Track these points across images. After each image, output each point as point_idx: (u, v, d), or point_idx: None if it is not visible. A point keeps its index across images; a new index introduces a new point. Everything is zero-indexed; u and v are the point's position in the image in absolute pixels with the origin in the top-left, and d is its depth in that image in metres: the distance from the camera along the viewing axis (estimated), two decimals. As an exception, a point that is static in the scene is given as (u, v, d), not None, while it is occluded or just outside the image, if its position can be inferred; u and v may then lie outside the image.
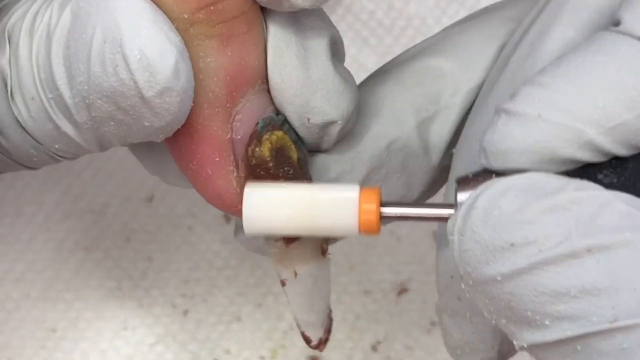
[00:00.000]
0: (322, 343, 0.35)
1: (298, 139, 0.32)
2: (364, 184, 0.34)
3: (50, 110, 0.30)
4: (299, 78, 0.31)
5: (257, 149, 0.31)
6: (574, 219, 0.28)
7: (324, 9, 0.33)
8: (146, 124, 0.29)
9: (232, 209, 0.32)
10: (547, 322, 0.27)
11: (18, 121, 0.31)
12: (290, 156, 0.31)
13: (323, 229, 0.31)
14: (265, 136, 0.31)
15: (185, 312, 0.47)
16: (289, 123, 0.31)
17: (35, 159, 0.32)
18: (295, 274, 0.33)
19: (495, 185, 0.29)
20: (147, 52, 0.28)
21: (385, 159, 0.35)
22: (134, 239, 0.48)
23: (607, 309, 0.26)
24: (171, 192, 0.48)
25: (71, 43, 0.29)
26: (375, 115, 0.36)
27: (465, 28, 0.37)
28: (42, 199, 0.48)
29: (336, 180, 0.34)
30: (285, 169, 0.31)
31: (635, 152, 0.30)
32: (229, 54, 0.30)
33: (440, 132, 0.36)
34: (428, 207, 0.31)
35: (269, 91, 0.32)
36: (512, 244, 0.28)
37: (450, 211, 0.30)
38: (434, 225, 0.42)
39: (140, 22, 0.28)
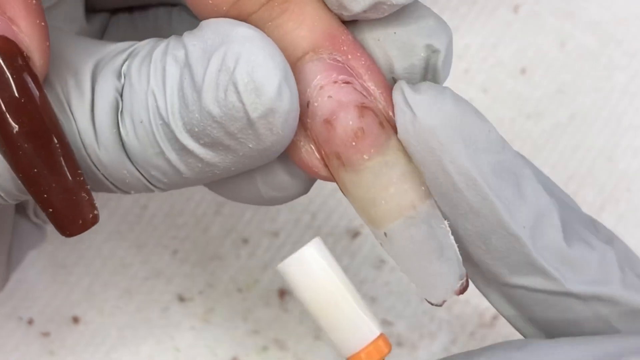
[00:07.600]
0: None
1: None
2: None
3: (157, 135, 0.30)
4: None
5: None
6: None
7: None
8: (250, 145, 0.30)
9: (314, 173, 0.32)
10: None
11: (120, 139, 0.31)
12: None
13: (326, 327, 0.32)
14: None
15: (175, 252, 0.50)
16: None
17: (127, 180, 0.32)
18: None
19: None
20: (254, 76, 0.29)
21: None
22: (131, 190, 0.51)
23: None
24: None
25: (185, 76, 0.30)
26: None
27: None
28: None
29: None
30: None
31: None
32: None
33: None
34: None
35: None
36: None
37: None
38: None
39: (250, 49, 0.29)
